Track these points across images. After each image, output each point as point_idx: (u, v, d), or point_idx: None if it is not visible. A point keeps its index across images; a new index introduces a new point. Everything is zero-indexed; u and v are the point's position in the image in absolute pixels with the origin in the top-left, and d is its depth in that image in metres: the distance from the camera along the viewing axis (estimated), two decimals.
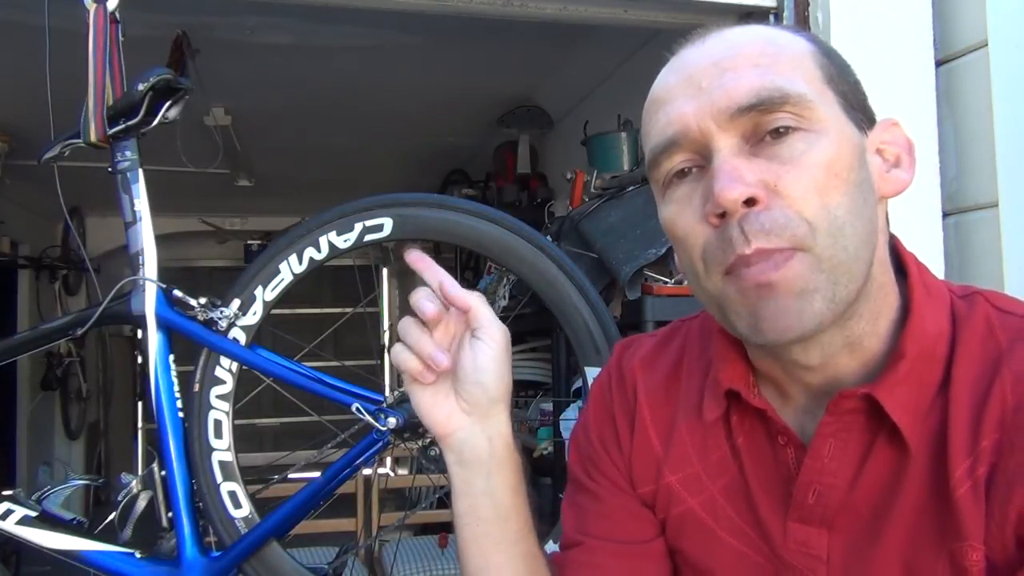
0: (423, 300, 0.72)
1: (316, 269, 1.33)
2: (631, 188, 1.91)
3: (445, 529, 2.77)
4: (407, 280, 6.16)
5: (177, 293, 1.32)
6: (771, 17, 1.56)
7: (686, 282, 1.60)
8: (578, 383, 2.09)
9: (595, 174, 2.09)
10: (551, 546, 1.30)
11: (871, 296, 0.65)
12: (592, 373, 1.29)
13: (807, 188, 0.60)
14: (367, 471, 2.72)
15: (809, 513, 0.66)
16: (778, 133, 0.61)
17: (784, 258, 0.59)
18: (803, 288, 0.60)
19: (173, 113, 1.35)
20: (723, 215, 0.61)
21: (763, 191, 0.60)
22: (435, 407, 0.74)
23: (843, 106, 0.64)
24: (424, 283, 0.73)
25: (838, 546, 0.66)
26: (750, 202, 0.60)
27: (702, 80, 0.63)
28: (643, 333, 0.88)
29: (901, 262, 0.69)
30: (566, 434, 2.06)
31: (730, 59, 0.63)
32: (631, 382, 0.79)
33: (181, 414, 1.31)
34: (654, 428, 0.77)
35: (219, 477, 1.31)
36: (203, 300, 1.30)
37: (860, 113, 0.65)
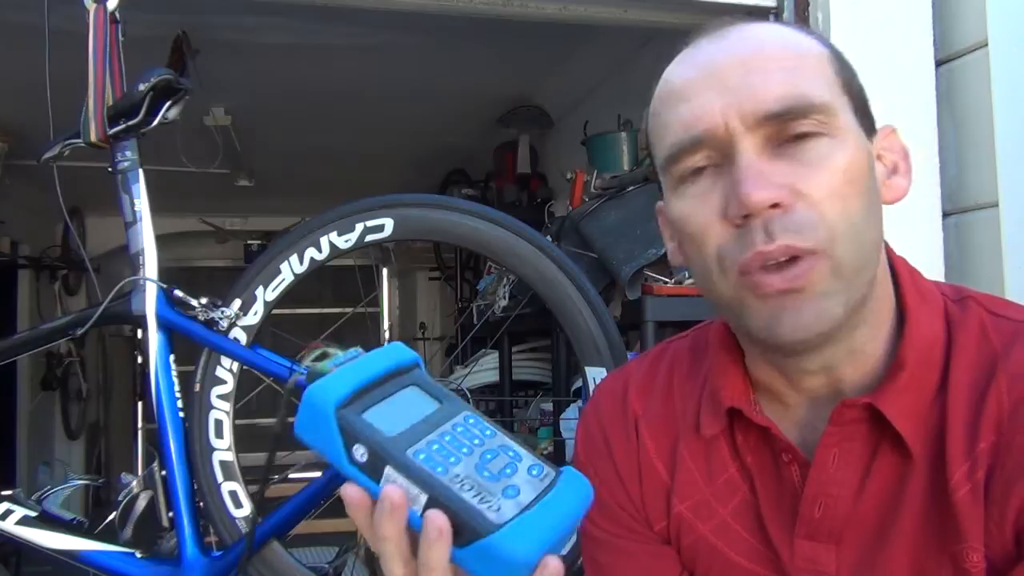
0: None
1: (317, 269, 1.33)
2: (631, 188, 1.90)
3: None
4: (407, 280, 6.17)
5: (178, 293, 1.32)
6: (771, 17, 1.56)
7: (690, 280, 1.60)
8: (578, 383, 2.09)
9: (595, 174, 2.08)
10: None
11: (874, 302, 0.65)
12: (592, 373, 1.29)
13: (829, 192, 0.60)
14: None
15: (816, 528, 0.66)
16: (801, 137, 0.61)
17: (808, 266, 0.60)
18: (825, 291, 0.60)
19: (173, 113, 1.35)
20: (747, 216, 0.60)
21: (787, 193, 0.60)
22: None
23: (855, 112, 0.65)
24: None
25: (846, 560, 0.65)
26: (775, 205, 0.60)
27: (729, 78, 0.62)
28: (617, 369, 0.85)
29: (892, 267, 0.69)
30: (566, 434, 2.06)
31: (756, 59, 0.63)
32: (632, 418, 0.77)
33: (182, 414, 1.32)
34: (659, 458, 0.75)
35: (220, 477, 1.31)
36: (204, 300, 1.30)
37: (867, 119, 0.66)
